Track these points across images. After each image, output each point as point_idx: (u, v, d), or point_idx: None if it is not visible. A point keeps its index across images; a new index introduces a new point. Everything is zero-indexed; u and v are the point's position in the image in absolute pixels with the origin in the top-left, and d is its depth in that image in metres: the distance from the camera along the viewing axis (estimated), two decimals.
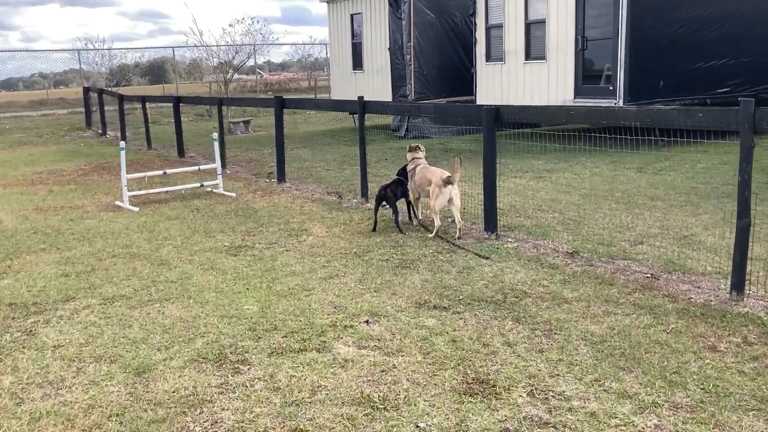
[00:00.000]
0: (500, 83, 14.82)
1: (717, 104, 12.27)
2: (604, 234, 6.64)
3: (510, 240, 6.57)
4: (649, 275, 5.27)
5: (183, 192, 9.89)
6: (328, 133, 19.26)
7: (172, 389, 3.71)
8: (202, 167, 10.19)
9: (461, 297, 4.96)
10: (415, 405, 3.43)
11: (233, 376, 3.84)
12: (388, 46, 17.19)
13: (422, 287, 5.22)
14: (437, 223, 6.77)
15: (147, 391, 3.71)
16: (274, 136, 10.76)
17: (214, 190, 9.99)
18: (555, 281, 5.24)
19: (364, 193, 8.82)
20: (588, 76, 13.13)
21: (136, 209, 8.87)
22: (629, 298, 4.79)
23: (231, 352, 4.16)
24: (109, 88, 24.86)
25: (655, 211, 7.50)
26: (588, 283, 5.14)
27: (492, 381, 3.63)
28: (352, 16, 18.80)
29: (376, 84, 18.11)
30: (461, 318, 4.56)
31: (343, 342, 4.24)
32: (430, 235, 6.72)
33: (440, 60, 16.72)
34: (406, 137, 16.65)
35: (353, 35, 18.98)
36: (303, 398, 3.55)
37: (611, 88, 12.46)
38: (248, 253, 6.53)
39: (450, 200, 6.66)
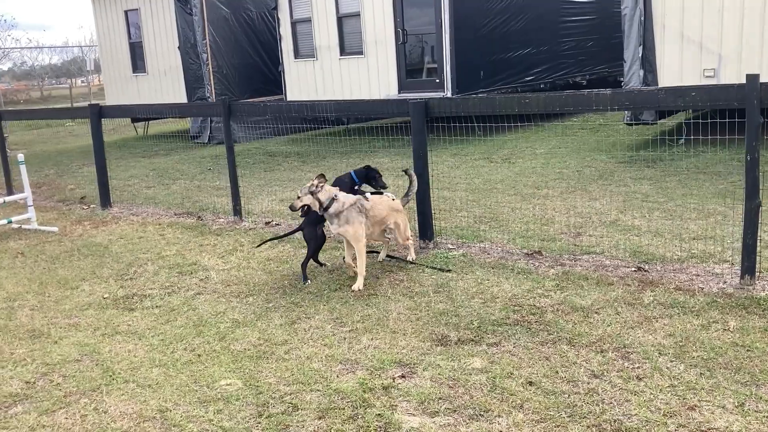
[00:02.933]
0: (314, 80, 14.05)
1: (525, 92, 12.88)
2: (534, 229, 6.31)
3: (449, 246, 5.93)
4: (635, 269, 4.99)
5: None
6: (111, 144, 16.84)
7: None
8: (7, 199, 7.99)
9: (476, 324, 4.20)
10: None
11: None
12: (177, 45, 15.43)
13: (418, 318, 4.36)
14: (413, 251, 5.61)
15: None
16: (93, 152, 8.88)
17: (25, 227, 7.89)
18: (551, 289, 4.72)
19: (237, 211, 7.53)
20: (411, 70, 12.95)
21: None
22: (645, 297, 4.44)
23: None
24: None
25: (552, 200, 7.39)
26: (587, 287, 4.70)
27: (635, 428, 2.97)
28: (126, 12, 16.56)
29: (165, 86, 16.20)
30: (505, 351, 3.81)
31: (404, 411, 3.26)
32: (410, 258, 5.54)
33: (240, 59, 15.42)
34: (210, 143, 15.15)
35: (129, 34, 16.76)
36: None
37: (438, 81, 12.40)
38: (148, 303, 5.06)
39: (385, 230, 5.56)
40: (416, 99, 5.66)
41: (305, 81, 14.13)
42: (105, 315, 4.88)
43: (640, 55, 9.65)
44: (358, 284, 4.98)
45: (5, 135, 17.63)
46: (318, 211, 5.11)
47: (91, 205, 9.10)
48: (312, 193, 5.11)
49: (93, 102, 26.05)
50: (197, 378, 3.76)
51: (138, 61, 16.66)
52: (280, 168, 11.08)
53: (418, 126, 5.67)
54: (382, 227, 5.38)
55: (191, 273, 5.76)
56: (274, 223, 7.25)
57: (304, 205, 5.12)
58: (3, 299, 5.39)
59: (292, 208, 5.24)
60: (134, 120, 17.68)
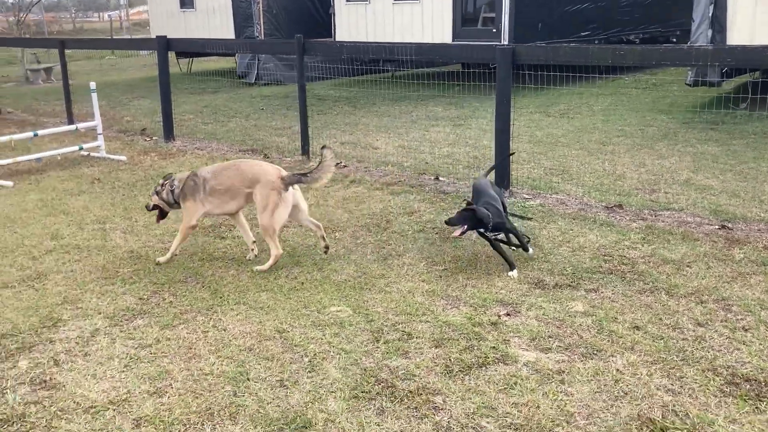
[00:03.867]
0: (365, 24, 13.91)
1: None
2: (607, 183, 6.34)
3: (525, 196, 5.98)
4: (718, 226, 5.03)
5: (58, 158, 7.81)
6: (155, 79, 16.88)
7: None
8: (80, 126, 8.12)
9: (569, 270, 4.29)
10: (714, 425, 2.75)
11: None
12: None
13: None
14: (276, 251, 4.38)
15: None
16: (160, 84, 8.92)
17: (94, 154, 8.04)
18: (638, 241, 4.78)
19: (306, 151, 7.61)
20: (467, 19, 12.78)
21: (9, 183, 6.79)
22: (735, 254, 4.49)
23: (394, 378, 3.10)
24: None
25: (620, 157, 7.38)
26: (673, 242, 4.75)
27: (751, 375, 3.06)
28: None
29: (213, 23, 16.12)
30: (605, 297, 3.90)
31: (517, 345, 3.38)
32: (259, 268, 4.39)
33: (290, 0, 15.28)
34: (257, 84, 15.15)
35: None
36: None
37: (494, 31, 12.24)
38: (237, 233, 5.19)
39: (296, 207, 4.50)
40: (503, 45, 5.64)
41: (356, 24, 13.99)
42: (198, 241, 5.02)
43: (711, 14, 9.44)
44: (165, 258, 4.55)
45: (53, 65, 17.75)
46: (170, 208, 4.66)
47: (154, 137, 9.21)
48: (157, 194, 4.64)
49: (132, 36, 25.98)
50: (306, 303, 3.90)
51: None
52: (332, 112, 11.09)
53: (504, 73, 5.66)
54: (241, 199, 4.48)
55: None
56: (342, 164, 7.32)
57: (156, 206, 4.71)
58: (93, 221, 5.55)
59: (147, 208, 4.83)
60: (179, 56, 17.69)
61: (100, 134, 8.01)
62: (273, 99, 12.88)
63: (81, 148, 7.87)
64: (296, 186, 4.46)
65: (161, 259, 4.61)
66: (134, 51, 24.37)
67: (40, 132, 7.96)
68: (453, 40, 12.67)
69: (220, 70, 18.14)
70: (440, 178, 6.65)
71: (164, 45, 8.59)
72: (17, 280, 4.37)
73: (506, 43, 11.98)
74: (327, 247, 4.60)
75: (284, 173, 4.40)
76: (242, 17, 15.27)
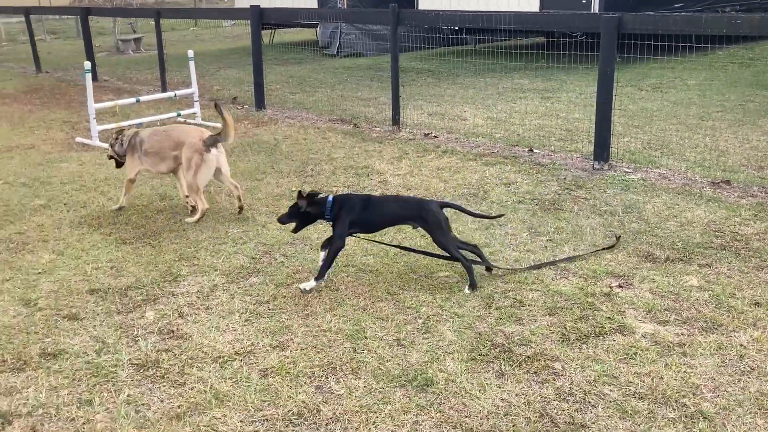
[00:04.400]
0: None
1: None
2: (710, 159, 6.11)
3: (626, 170, 5.84)
4: None
5: (158, 124, 8.09)
6: (240, 50, 17.23)
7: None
8: (179, 93, 8.39)
9: (680, 245, 4.18)
10: None
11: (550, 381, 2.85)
12: None
13: (614, 235, 4.37)
14: (202, 206, 4.72)
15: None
16: (252, 54, 9.09)
17: (189, 121, 8.29)
18: (749, 218, 4.61)
19: (396, 121, 7.63)
20: None
21: None
22: None
23: (510, 343, 3.12)
24: None
25: (721, 132, 7.09)
26: None
27: None
28: None
29: None
30: (720, 273, 3.79)
31: (633, 317, 3.33)
32: (189, 220, 4.76)
33: None
34: (338, 55, 15.24)
35: None
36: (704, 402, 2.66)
37: (584, 1, 11.89)
38: None
39: (218, 170, 4.79)
40: (608, 14, 5.48)
41: None
42: None
43: None
44: (115, 207, 5.04)
45: (142, 36, 18.31)
46: (121, 159, 5.03)
47: (245, 106, 9.42)
48: (111, 146, 5.05)
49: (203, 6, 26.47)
50: (413, 269, 3.95)
51: None
52: (415, 83, 11.05)
53: (608, 42, 5.51)
54: (170, 161, 4.80)
55: (367, 175, 5.94)
56: (432, 134, 7.32)
57: (111, 156, 5.11)
58: None
59: (108, 157, 5.22)
60: (263, 28, 17.92)
61: (196, 101, 8.25)
62: (355, 70, 12.93)
63: (179, 114, 8.14)
64: (220, 148, 4.77)
65: (113, 207, 5.06)
66: (217, 23, 24.90)
67: (142, 98, 8.24)
68: (540, 10, 12.38)
69: (301, 41, 18.35)
70: (534, 150, 6.56)
71: (257, 15, 8.73)
72: (134, 237, 4.58)
73: (596, 12, 11.63)
74: (241, 208, 4.87)
75: (206, 136, 4.66)
76: None
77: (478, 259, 3.80)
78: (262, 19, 8.81)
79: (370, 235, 4.00)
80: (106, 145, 7.03)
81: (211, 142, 4.67)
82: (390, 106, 8.07)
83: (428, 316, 3.38)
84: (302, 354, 3.09)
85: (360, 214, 3.73)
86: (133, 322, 3.43)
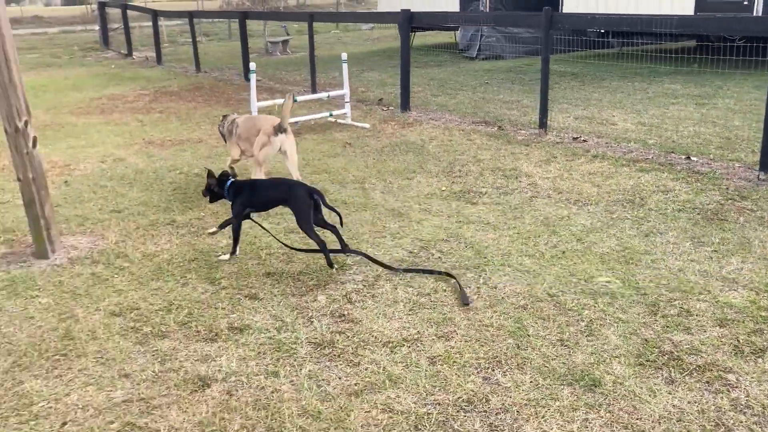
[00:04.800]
0: None
1: None
2: None
3: None
4: None
5: (312, 123, 8.55)
6: (380, 53, 17.70)
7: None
8: (332, 94, 8.80)
9: None
10: None
11: None
12: None
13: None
14: (260, 175, 5.52)
15: None
16: (400, 57, 9.35)
17: (340, 121, 8.67)
18: None
19: (543, 124, 7.60)
20: None
21: None
22: None
23: (679, 351, 3.08)
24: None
25: None
26: None
27: None
28: None
29: None
30: None
31: None
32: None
33: None
34: (477, 58, 15.28)
35: None
36: None
37: (746, 3, 11.22)
38: (486, 199, 5.38)
39: (284, 152, 5.55)
40: None
41: None
42: (451, 205, 5.28)
43: None
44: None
45: (289, 36, 19.22)
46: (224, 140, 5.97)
47: (390, 107, 9.70)
48: (219, 127, 6.01)
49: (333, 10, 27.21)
50: (571, 272, 3.97)
51: None
52: (559, 87, 10.88)
53: None
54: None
55: (515, 177, 5.98)
56: (581, 138, 7.23)
57: (222, 134, 5.97)
58: (353, 181, 6.04)
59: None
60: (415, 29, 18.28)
61: (347, 102, 8.61)
62: (496, 73, 12.93)
63: (330, 114, 8.53)
64: (288, 134, 5.57)
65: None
66: (356, 25, 25.66)
67: (299, 98, 8.71)
68: (695, 13, 11.82)
69: (439, 44, 18.56)
70: (692, 158, 6.33)
71: (407, 18, 8.97)
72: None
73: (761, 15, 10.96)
74: None
75: (276, 124, 5.51)
76: None
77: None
78: (411, 22, 9.04)
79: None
80: None
81: (279, 129, 5.51)
82: (535, 109, 8.05)
83: (591, 320, 3.40)
84: (467, 345, 3.21)
85: (249, 197, 4.29)
86: (307, 305, 3.70)
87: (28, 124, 4.40)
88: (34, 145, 4.45)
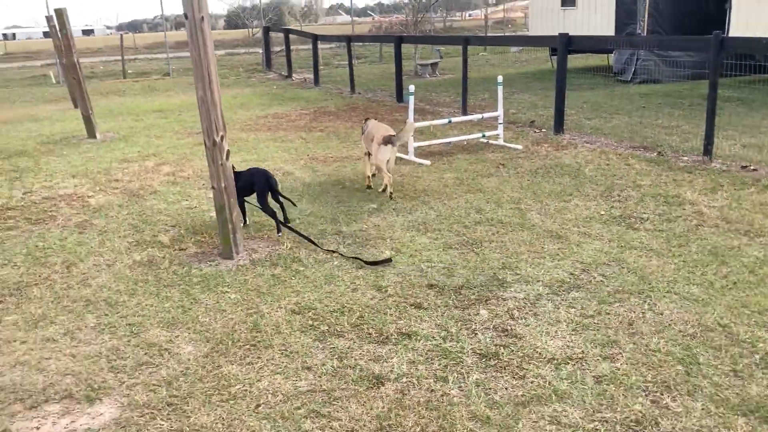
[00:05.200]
0: None
1: None
2: None
3: None
4: None
5: (464, 144, 8.76)
6: (530, 75, 17.67)
7: None
8: (486, 116, 8.97)
9: None
10: None
11: None
12: None
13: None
14: (387, 179, 6.46)
15: None
16: (556, 79, 9.36)
17: (492, 142, 8.80)
18: None
19: (708, 151, 7.31)
20: None
21: (426, 162, 7.83)
22: None
23: None
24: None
25: None
26: None
27: None
28: None
29: (593, 21, 16.22)
30: None
31: None
32: (380, 190, 6.67)
33: None
34: (632, 82, 14.84)
35: None
36: None
37: None
38: (648, 225, 5.29)
39: (389, 159, 6.51)
40: None
41: (756, 15, 12.77)
42: (611, 229, 5.25)
43: None
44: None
45: (438, 61, 19.63)
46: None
47: (542, 129, 9.71)
48: (362, 129, 6.97)
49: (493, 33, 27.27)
50: (744, 303, 3.85)
51: None
52: (723, 112, 10.30)
53: None
54: (369, 147, 6.63)
55: (678, 204, 5.82)
56: (750, 167, 6.89)
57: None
58: (508, 201, 6.15)
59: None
60: (553, 53, 18.16)
61: (500, 124, 8.74)
62: (653, 97, 12.52)
63: (483, 136, 8.70)
64: (394, 145, 6.41)
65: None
66: (504, 48, 25.70)
67: (453, 119, 8.97)
68: None
69: (590, 66, 18.20)
70: None
71: (565, 42, 8.97)
72: (458, 243, 5.09)
73: None
74: (385, 190, 6.54)
75: (387, 135, 6.38)
76: (624, 13, 15.08)
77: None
78: (569, 46, 9.03)
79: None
80: (421, 160, 7.83)
81: (387, 140, 6.34)
82: (697, 135, 7.77)
83: (766, 352, 3.30)
84: (633, 368, 3.23)
85: (237, 185, 5.18)
86: (470, 317, 3.86)
87: (223, 139, 4.93)
88: (227, 158, 4.97)
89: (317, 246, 5.10)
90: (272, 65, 21.34)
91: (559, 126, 9.28)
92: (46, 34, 64.49)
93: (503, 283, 4.31)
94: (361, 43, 28.91)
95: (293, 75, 19.32)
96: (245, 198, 5.62)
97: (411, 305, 4.05)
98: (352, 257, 4.85)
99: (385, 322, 3.83)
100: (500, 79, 8.82)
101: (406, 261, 4.76)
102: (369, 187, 6.80)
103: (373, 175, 6.92)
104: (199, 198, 6.70)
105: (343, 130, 10.53)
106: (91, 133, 10.42)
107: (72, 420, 3.05)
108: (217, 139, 4.87)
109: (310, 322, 3.87)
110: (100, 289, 4.50)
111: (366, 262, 4.74)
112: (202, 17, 4.64)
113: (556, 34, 9.22)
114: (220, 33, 50.10)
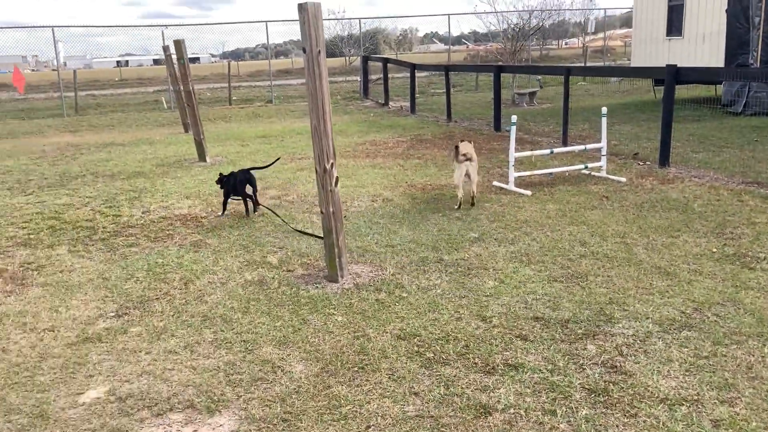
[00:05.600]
0: None
1: None
2: None
3: None
4: None
5: (566, 175, 8.67)
6: (631, 106, 17.24)
7: None
8: (588, 147, 8.85)
9: None
10: None
11: None
12: (725, 8, 14.70)
13: None
14: (459, 194, 7.23)
15: None
16: (662, 111, 9.13)
17: (594, 173, 8.66)
18: None
19: None
20: None
21: (527, 192, 7.80)
22: None
23: None
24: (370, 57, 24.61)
25: None
26: None
27: None
28: None
29: (699, 51, 15.71)
30: None
31: None
32: (454, 207, 7.24)
33: None
34: (743, 114, 14.22)
35: None
36: None
37: None
38: (765, 265, 5.05)
39: (467, 174, 7.13)
40: None
41: None
42: (724, 268, 5.06)
43: None
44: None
45: (536, 90, 19.51)
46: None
47: (646, 162, 9.46)
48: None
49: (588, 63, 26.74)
50: None
51: (674, 24, 16.45)
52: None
53: None
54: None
55: None
56: None
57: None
58: (613, 234, 6.04)
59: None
60: (656, 83, 17.69)
61: (604, 156, 8.60)
62: (766, 130, 11.96)
63: (586, 167, 8.58)
64: (472, 162, 7.17)
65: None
66: (604, 79, 25.23)
67: (555, 150, 8.90)
68: None
69: (695, 98, 17.57)
70: None
71: (673, 74, 8.76)
72: (563, 276, 5.04)
73: None
74: (472, 203, 7.31)
75: (466, 152, 7.12)
76: (736, 43, 14.52)
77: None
78: (677, 77, 8.80)
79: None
80: (521, 191, 7.80)
81: (462, 159, 7.11)
82: None
83: None
84: (754, 414, 3.11)
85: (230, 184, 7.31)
86: (577, 352, 3.82)
87: (333, 166, 5.12)
88: (336, 184, 5.16)
89: (286, 223, 6.78)
90: (369, 93, 21.82)
91: (664, 159, 9.02)
92: (156, 62, 68.69)
93: (611, 319, 4.24)
94: (456, 72, 29.10)
95: (390, 103, 19.67)
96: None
97: (517, 337, 4.05)
98: (285, 222, 6.73)
99: (491, 353, 3.85)
100: (604, 110, 8.69)
101: (511, 292, 4.77)
102: (472, 205, 7.31)
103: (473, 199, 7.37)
104: (304, 222, 6.94)
105: (440, 158, 10.64)
106: (202, 156, 11.00)
107: (194, 429, 3.23)
108: (328, 167, 5.07)
109: (416, 348, 3.95)
110: (216, 305, 4.75)
111: (295, 229, 6.51)
112: (319, 51, 4.86)
113: (661, 65, 9.01)
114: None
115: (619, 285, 4.81)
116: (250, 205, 7.32)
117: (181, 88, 11.52)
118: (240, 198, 7.33)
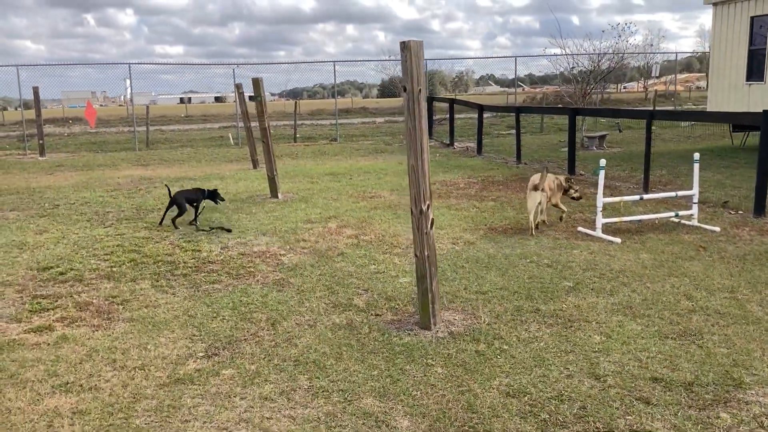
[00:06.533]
0: None
1: None
2: None
3: None
4: None
5: (655, 222, 8.28)
6: (707, 152, 16.62)
7: None
8: (680, 194, 8.46)
9: None
10: None
11: None
12: None
13: None
14: (530, 221, 7.82)
15: None
16: (759, 159, 8.67)
17: (685, 222, 8.24)
18: None
19: None
20: None
21: (617, 240, 7.44)
22: None
23: None
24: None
25: None
26: None
27: None
28: (752, 18, 15.95)
29: None
30: None
31: None
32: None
33: None
34: None
35: (752, 41, 16.09)
36: None
37: None
38: None
39: (539, 203, 7.73)
40: None
41: None
42: None
43: None
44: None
45: (606, 134, 19.07)
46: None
47: (738, 211, 8.99)
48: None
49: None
50: None
51: (755, 69, 15.90)
52: None
53: None
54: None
55: None
56: None
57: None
58: (720, 289, 5.64)
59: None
60: (734, 129, 17.08)
61: (695, 203, 8.19)
62: None
63: (676, 215, 8.17)
64: (543, 192, 7.77)
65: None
66: (674, 123, 24.58)
67: (645, 196, 8.54)
68: None
69: None
70: None
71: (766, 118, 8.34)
72: (674, 333, 4.69)
73: None
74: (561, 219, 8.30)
75: (536, 183, 7.69)
76: None
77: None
78: None
79: None
80: (611, 238, 7.45)
81: (536, 188, 7.66)
82: None
83: None
84: None
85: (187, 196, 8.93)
86: (710, 420, 3.47)
87: (429, 208, 4.93)
88: (431, 226, 4.96)
89: (228, 231, 8.30)
90: (433, 133, 21.73)
91: (760, 208, 8.54)
92: (217, 99, 70.58)
93: (740, 384, 3.87)
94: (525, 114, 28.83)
95: (455, 143, 19.53)
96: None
97: (637, 399, 3.73)
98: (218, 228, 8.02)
99: (613, 416, 3.54)
100: (696, 156, 8.31)
101: (620, 348, 4.44)
102: (562, 218, 8.30)
103: (560, 218, 8.23)
104: (386, 263, 6.75)
105: (516, 200, 10.36)
106: (274, 192, 11.00)
107: None
108: (424, 208, 4.88)
109: (528, 408, 3.66)
110: (307, 349, 4.56)
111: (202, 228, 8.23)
112: (420, 90, 4.72)
113: (740, 110, 8.58)
114: (377, 101, 52.23)
115: (741, 345, 4.43)
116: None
117: (257, 124, 11.61)
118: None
